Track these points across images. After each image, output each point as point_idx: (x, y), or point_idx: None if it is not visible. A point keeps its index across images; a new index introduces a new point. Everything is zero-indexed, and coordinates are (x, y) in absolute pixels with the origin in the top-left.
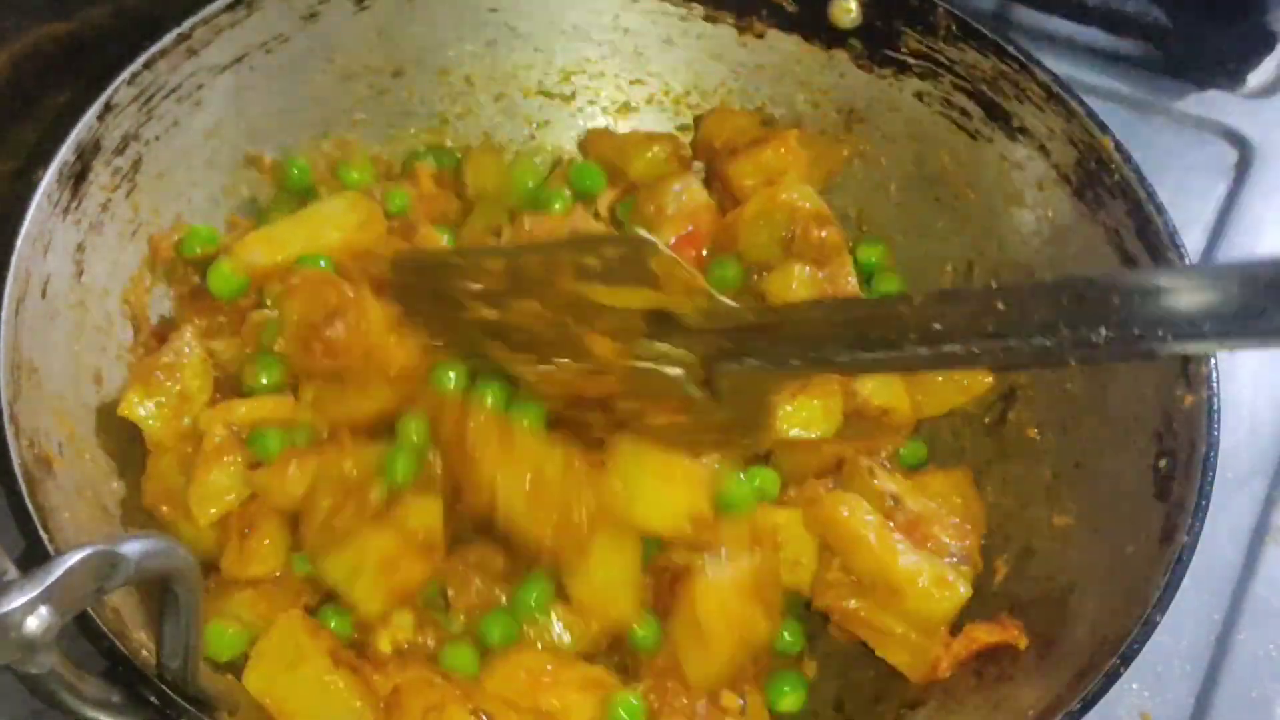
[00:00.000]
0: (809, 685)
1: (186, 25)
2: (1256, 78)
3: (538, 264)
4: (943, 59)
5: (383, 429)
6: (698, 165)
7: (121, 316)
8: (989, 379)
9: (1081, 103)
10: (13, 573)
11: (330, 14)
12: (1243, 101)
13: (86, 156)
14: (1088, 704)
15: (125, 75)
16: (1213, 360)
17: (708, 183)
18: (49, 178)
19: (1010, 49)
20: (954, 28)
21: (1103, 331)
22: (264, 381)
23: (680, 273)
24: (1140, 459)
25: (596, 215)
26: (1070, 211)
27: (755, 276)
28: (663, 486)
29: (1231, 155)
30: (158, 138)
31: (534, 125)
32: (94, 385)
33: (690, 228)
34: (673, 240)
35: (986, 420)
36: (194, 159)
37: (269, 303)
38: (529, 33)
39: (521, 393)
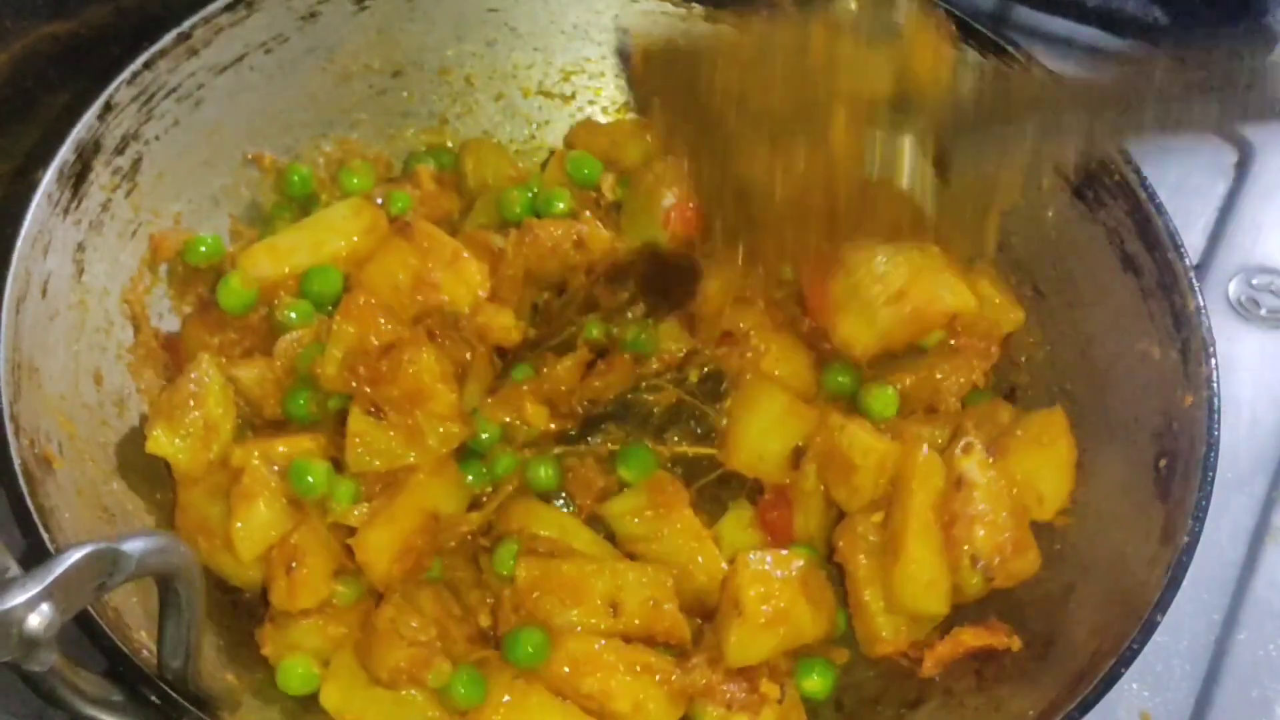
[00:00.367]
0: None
1: (187, 25)
2: None
3: (790, 29)
4: None
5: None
6: None
7: (121, 316)
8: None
9: None
10: (14, 570)
11: (330, 14)
12: None
13: (86, 156)
14: (1087, 704)
15: (125, 75)
16: (1213, 360)
17: None
18: (49, 177)
19: (1009, 48)
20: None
21: None
22: (302, 409)
23: (929, 32)
24: (1140, 459)
25: (600, 200)
26: (1070, 211)
27: None
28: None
29: (1231, 155)
30: (158, 137)
31: (534, 125)
32: (94, 385)
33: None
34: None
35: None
36: (194, 159)
37: (291, 315)
38: (529, 32)
39: None
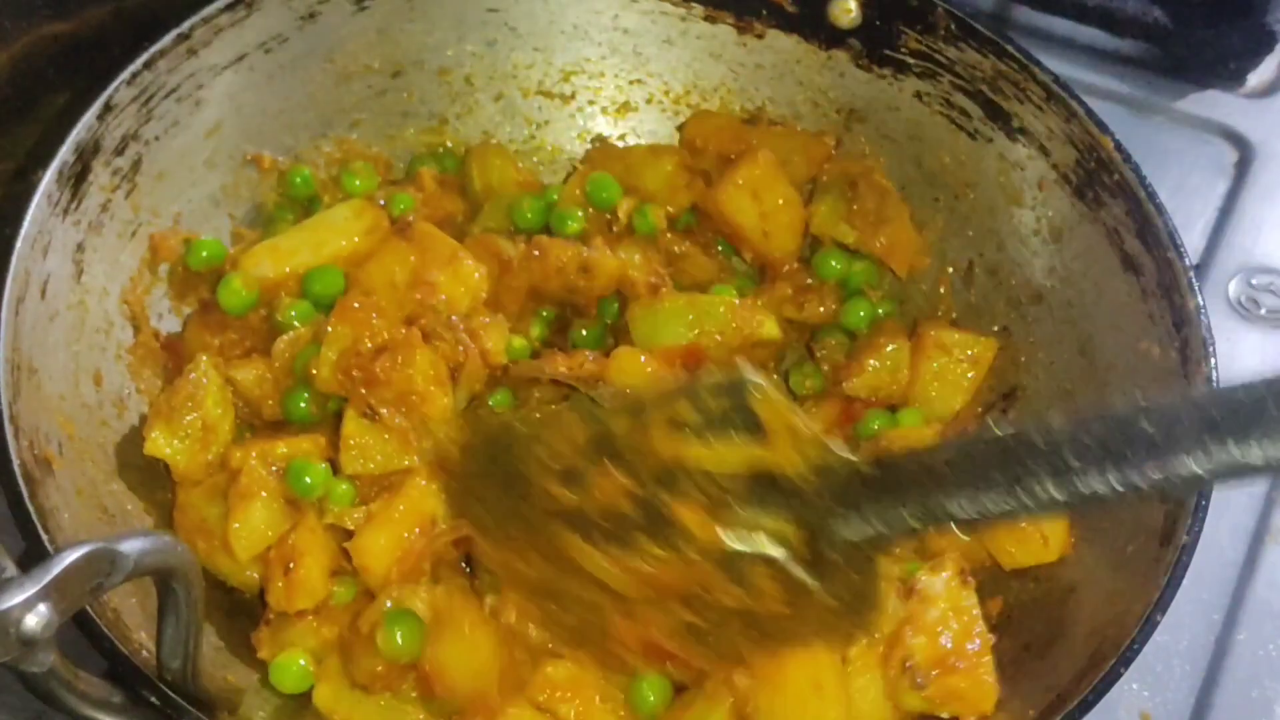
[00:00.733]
0: None
1: (186, 25)
2: (1256, 78)
3: (626, 426)
4: (942, 59)
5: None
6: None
7: (121, 317)
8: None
9: (1081, 103)
10: (12, 570)
11: (330, 14)
12: (1243, 101)
13: (86, 157)
14: (1088, 704)
15: (125, 75)
16: (1213, 360)
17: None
18: (49, 178)
19: (1010, 49)
20: (953, 27)
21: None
22: (301, 410)
23: (789, 419)
24: None
25: (614, 225)
26: (1070, 211)
27: None
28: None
29: (1231, 155)
30: (157, 138)
31: (534, 125)
32: (93, 385)
33: None
34: None
35: (988, 420)
36: (194, 159)
37: (292, 315)
38: (528, 32)
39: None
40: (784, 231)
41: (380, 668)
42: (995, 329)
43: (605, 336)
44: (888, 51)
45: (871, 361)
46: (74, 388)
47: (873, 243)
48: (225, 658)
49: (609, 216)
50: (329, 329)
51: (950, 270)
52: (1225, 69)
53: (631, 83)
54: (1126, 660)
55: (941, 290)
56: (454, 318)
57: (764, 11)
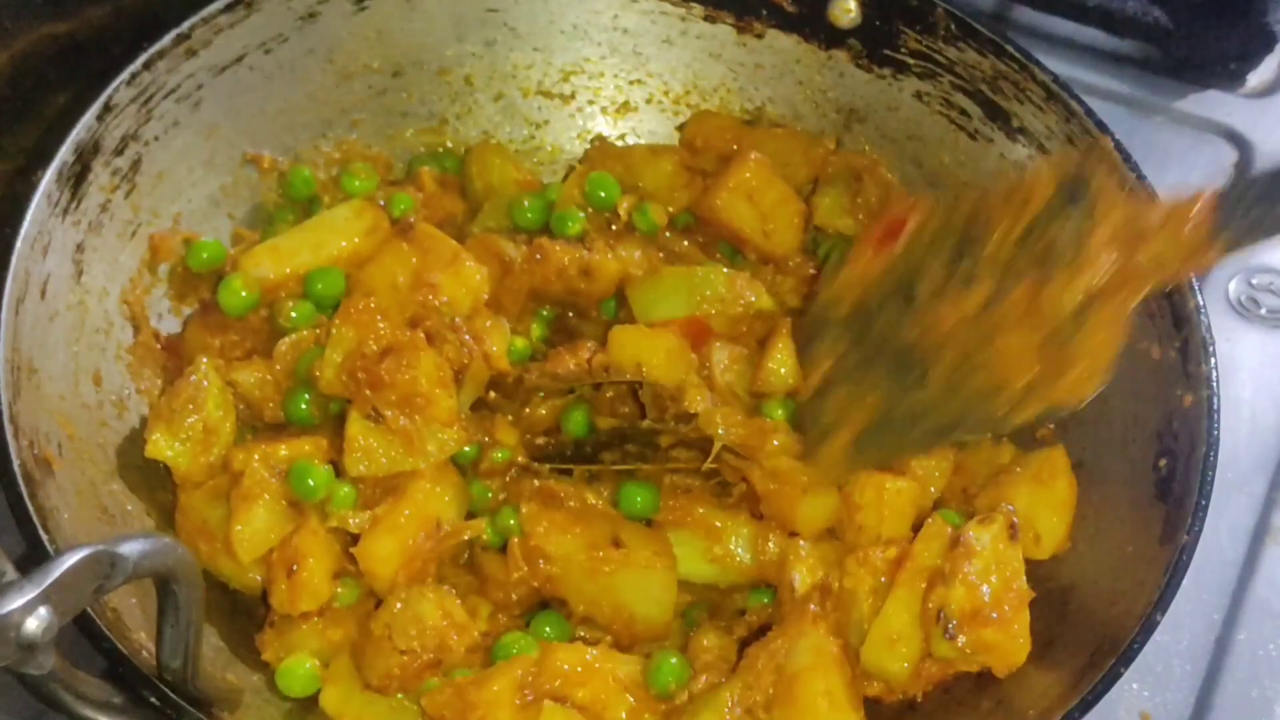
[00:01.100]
0: None
1: (186, 25)
2: (1256, 78)
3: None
4: (942, 59)
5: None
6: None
7: (121, 317)
8: None
9: (1081, 103)
10: (12, 574)
11: (329, 14)
12: (1243, 101)
13: (86, 157)
14: (1088, 704)
15: (125, 75)
16: (1213, 360)
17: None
18: (48, 178)
19: (1009, 49)
20: (953, 27)
21: None
22: (303, 412)
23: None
24: (1140, 459)
25: (614, 224)
26: None
27: None
28: None
29: (1231, 155)
30: (157, 138)
31: (533, 125)
32: (93, 386)
33: None
34: None
35: None
36: (193, 159)
37: (294, 316)
38: (528, 32)
39: None
40: (785, 229)
41: (396, 669)
42: None
43: (605, 334)
44: (887, 51)
45: None
46: (74, 388)
47: None
48: (226, 658)
49: (609, 215)
50: (333, 331)
51: None
52: (1225, 69)
53: (631, 83)
54: (1127, 660)
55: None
56: (456, 319)
57: (764, 11)
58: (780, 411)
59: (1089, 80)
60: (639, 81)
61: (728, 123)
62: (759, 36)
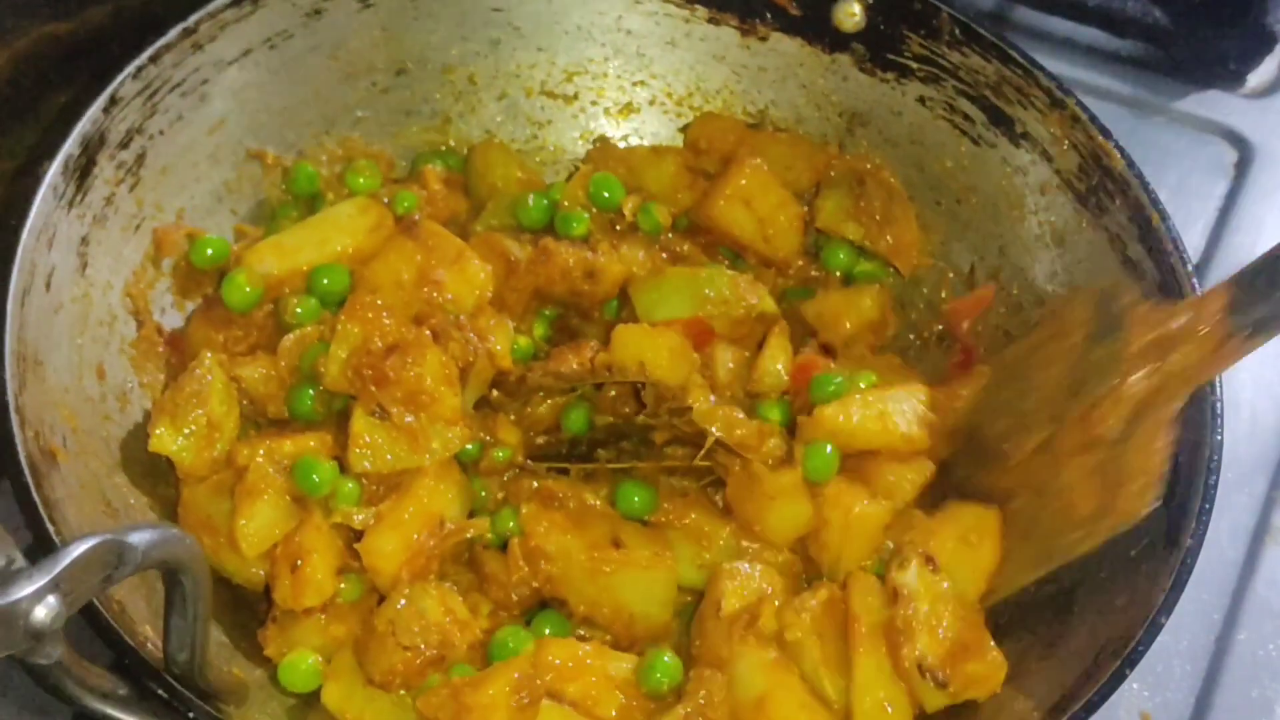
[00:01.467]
0: None
1: (192, 20)
2: (1256, 78)
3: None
4: (946, 63)
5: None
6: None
7: (124, 311)
8: None
9: (1085, 108)
10: (20, 562)
11: (334, 11)
12: (1243, 101)
13: (91, 150)
14: (1092, 705)
15: (130, 69)
16: None
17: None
18: (54, 171)
19: (1013, 54)
20: (957, 32)
21: None
22: (307, 408)
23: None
24: None
25: (618, 224)
26: (1073, 216)
27: None
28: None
29: (1231, 155)
30: (162, 132)
31: (536, 125)
32: (96, 379)
33: None
34: None
35: None
36: (198, 154)
37: (298, 312)
38: (532, 33)
39: None
40: (784, 232)
41: (398, 665)
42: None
43: (607, 334)
44: (891, 56)
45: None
46: (78, 381)
47: (879, 240)
48: (229, 653)
49: (612, 216)
50: (339, 327)
51: (951, 275)
52: (1225, 69)
53: (634, 84)
54: (1131, 662)
55: (943, 294)
56: (461, 317)
57: (768, 14)
58: (775, 413)
59: (1089, 80)
60: (642, 83)
61: (732, 125)
62: (763, 39)
